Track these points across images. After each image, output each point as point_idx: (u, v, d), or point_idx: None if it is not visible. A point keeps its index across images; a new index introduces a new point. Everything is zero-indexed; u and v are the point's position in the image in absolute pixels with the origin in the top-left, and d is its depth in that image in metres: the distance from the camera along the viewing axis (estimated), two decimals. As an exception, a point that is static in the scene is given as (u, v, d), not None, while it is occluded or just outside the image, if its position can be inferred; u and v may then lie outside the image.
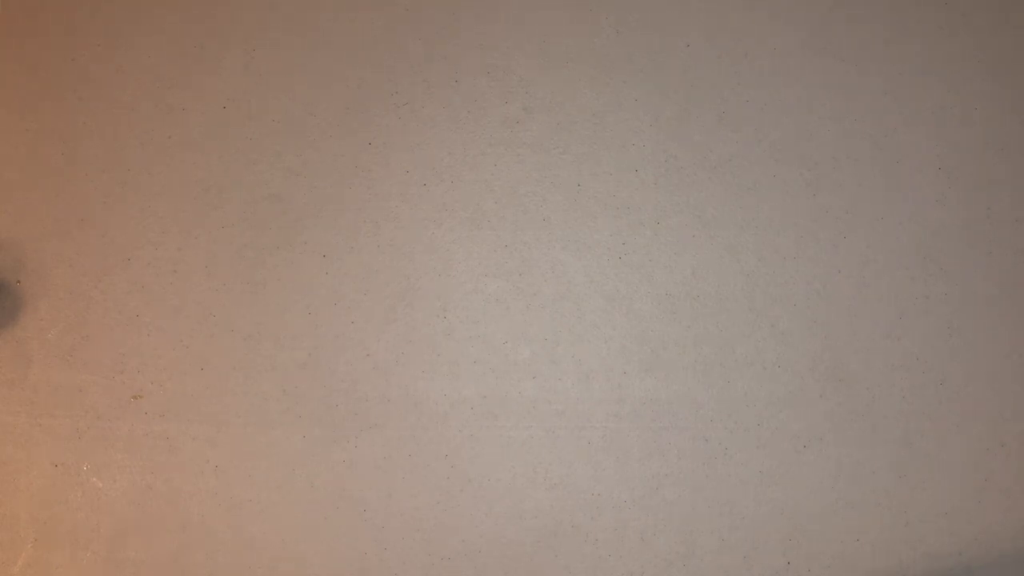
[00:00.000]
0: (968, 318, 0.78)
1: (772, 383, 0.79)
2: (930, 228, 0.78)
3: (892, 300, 0.78)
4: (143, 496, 0.75)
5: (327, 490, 0.76)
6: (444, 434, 0.77)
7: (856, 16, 0.83)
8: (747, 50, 0.80)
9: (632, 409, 0.79)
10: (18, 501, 0.76)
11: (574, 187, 0.80)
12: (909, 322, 0.78)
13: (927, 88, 0.79)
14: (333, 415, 0.77)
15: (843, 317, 0.78)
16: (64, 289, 0.80)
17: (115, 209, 0.80)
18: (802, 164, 0.79)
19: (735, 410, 0.79)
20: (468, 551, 0.78)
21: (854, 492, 0.78)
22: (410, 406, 0.77)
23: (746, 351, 0.79)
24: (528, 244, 0.79)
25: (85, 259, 0.80)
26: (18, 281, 0.80)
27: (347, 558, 0.77)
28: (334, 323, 0.78)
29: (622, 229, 0.79)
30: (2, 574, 0.74)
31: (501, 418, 0.78)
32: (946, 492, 0.78)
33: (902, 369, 0.78)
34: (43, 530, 0.75)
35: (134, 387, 0.78)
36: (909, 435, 0.78)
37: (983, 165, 0.78)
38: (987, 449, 0.78)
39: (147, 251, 0.80)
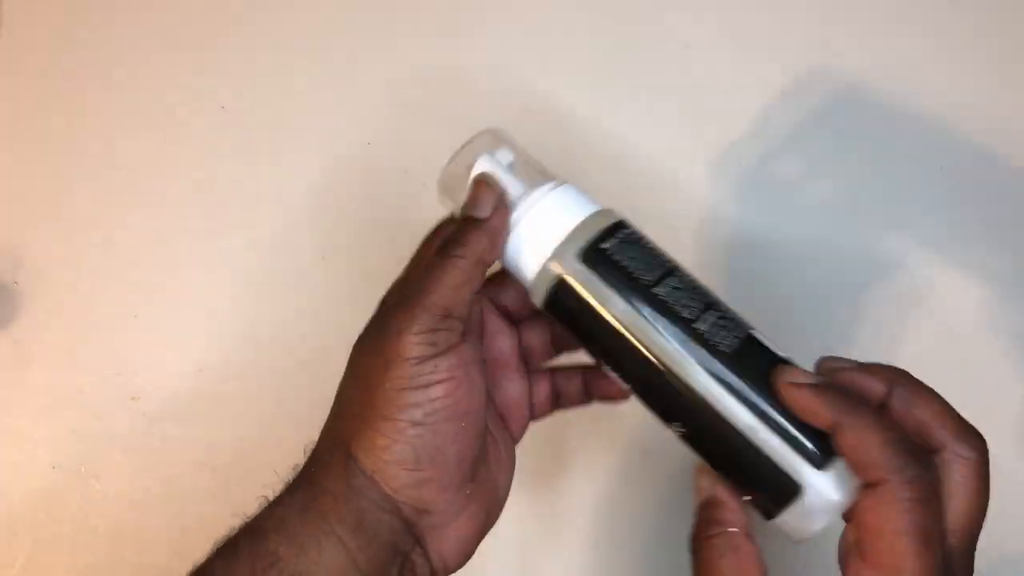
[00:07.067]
0: (968, 318, 0.78)
1: (772, 383, 0.79)
2: (931, 228, 0.78)
3: (893, 300, 0.78)
4: (142, 498, 0.75)
5: (327, 491, 0.75)
6: (444, 435, 0.77)
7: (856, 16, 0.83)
8: (747, 49, 0.80)
9: (632, 409, 0.79)
10: (16, 502, 0.76)
11: (574, 187, 0.80)
12: (909, 322, 0.78)
13: (929, 86, 0.79)
14: (333, 416, 0.76)
15: (844, 317, 0.78)
16: (62, 290, 0.79)
17: (113, 210, 0.80)
18: (802, 163, 0.79)
19: (735, 410, 0.79)
20: (468, 552, 0.78)
21: (855, 492, 0.78)
22: (410, 407, 0.77)
23: (746, 351, 0.79)
24: (528, 244, 0.79)
25: (83, 260, 0.79)
26: (15, 282, 0.79)
27: (347, 559, 0.77)
28: (334, 324, 0.78)
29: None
30: (0, 576, 0.74)
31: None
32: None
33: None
34: (41, 532, 0.75)
35: (133, 388, 0.78)
36: (909, 435, 0.78)
37: (984, 165, 0.78)
38: (987, 449, 0.78)
39: (145, 252, 0.80)
